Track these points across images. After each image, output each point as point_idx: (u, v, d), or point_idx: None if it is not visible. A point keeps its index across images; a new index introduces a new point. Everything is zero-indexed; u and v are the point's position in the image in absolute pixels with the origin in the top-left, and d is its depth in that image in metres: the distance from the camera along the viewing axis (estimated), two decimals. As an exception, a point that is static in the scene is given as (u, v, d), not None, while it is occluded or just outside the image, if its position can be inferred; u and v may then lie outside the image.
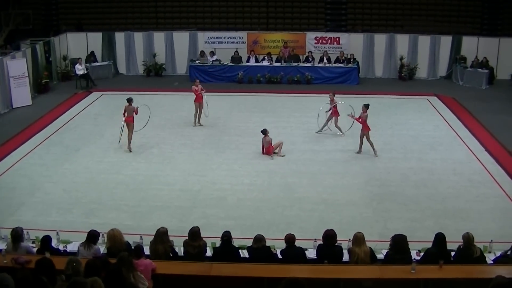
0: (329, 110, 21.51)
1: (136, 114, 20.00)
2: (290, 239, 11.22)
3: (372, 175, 17.97)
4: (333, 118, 21.56)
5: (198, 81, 23.70)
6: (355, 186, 17.20)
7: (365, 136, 19.63)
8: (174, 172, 18.17)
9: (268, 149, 19.59)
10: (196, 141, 21.06)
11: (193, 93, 22.69)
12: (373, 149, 19.59)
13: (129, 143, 19.96)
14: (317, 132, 21.71)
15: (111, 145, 20.56)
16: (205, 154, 19.71)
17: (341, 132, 21.65)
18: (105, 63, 31.90)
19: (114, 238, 10.94)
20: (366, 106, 19.84)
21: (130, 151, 19.84)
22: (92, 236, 11.16)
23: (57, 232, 12.62)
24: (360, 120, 19.66)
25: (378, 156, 19.35)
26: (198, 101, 22.63)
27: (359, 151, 19.76)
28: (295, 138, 21.28)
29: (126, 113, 19.97)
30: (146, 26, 34.03)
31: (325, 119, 21.75)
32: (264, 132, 19.68)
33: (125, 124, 19.99)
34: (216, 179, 17.66)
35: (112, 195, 16.47)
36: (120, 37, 32.40)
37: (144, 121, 21.26)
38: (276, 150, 19.60)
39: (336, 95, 21.75)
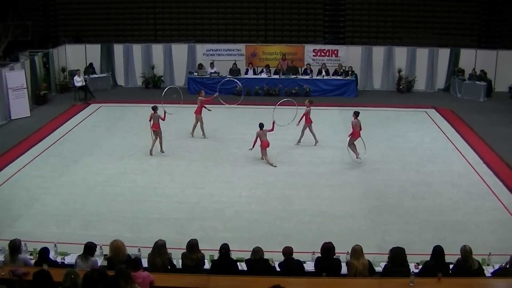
0: (301, 119, 21.72)
1: (163, 120, 20.84)
2: (288, 251, 11.22)
3: (370, 187, 17.97)
4: (307, 125, 21.81)
5: (202, 92, 23.64)
6: (353, 198, 17.19)
7: (349, 140, 20.00)
8: (172, 184, 18.16)
9: (264, 144, 19.88)
10: (194, 153, 21.06)
11: (197, 104, 22.70)
12: (355, 153, 20.08)
13: (161, 146, 21.05)
14: (296, 144, 22.01)
15: (109, 156, 20.58)
16: (203, 167, 19.71)
17: (315, 140, 21.96)
18: (104, 75, 31.93)
19: (118, 249, 10.93)
20: (356, 114, 20.23)
21: (162, 152, 21.03)
22: (89, 248, 11.14)
23: (55, 244, 12.61)
24: (352, 130, 20.03)
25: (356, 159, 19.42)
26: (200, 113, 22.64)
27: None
28: (293, 151, 21.31)
29: (152, 120, 20.75)
30: (145, 38, 34.12)
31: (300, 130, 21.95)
32: (261, 126, 19.96)
33: (152, 131, 20.80)
34: (214, 191, 17.64)
35: (110, 207, 16.45)
36: (118, 49, 32.44)
37: (169, 128, 21.85)
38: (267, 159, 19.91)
39: (312, 105, 21.94)
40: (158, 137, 20.84)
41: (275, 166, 19.67)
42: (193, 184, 18.12)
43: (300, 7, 34.45)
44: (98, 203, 16.73)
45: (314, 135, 21.92)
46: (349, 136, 20.07)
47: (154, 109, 20.82)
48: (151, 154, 20.69)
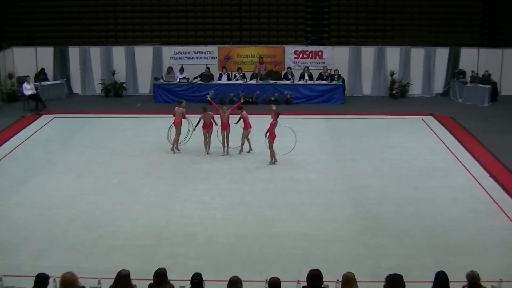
0: (237, 122, 22.24)
1: (185, 118, 22.52)
2: (274, 283, 10.98)
3: (361, 206, 17.92)
4: (245, 131, 22.21)
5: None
6: (342, 219, 17.12)
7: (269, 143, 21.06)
8: (136, 205, 18.00)
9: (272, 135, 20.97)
10: (161, 170, 20.94)
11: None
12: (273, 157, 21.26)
13: (175, 144, 22.58)
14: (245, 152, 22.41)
15: (64, 175, 20.38)
16: (171, 185, 19.59)
17: (250, 147, 22.47)
18: (57, 82, 31.77)
19: (70, 283, 10.70)
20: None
21: (174, 152, 22.52)
22: (41, 281, 10.89)
23: (1, 278, 12.36)
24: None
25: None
26: (207, 128, 22.54)
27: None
28: (273, 165, 21.25)
29: (176, 114, 22.49)
30: (104, 39, 33.96)
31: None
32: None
33: (173, 126, 22.49)
34: (184, 213, 17.51)
35: (65, 233, 16.23)
36: (74, 52, 32.33)
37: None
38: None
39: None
40: (176, 133, 22.55)
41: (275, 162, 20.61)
42: (160, 205, 17.97)
43: (279, 3, 34.50)
44: (51, 228, 16.48)
45: (249, 142, 22.48)
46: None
47: (180, 103, 23.10)
48: (174, 152, 22.57)
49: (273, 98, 29.91)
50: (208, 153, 22.44)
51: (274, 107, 21.86)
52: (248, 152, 22.42)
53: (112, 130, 25.57)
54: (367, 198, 18.51)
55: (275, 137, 21.19)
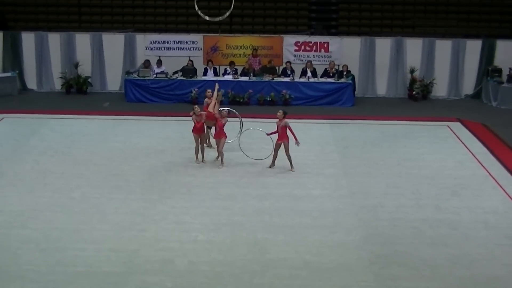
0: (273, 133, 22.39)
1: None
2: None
3: (372, 229, 17.98)
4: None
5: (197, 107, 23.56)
6: (349, 244, 17.18)
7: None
8: (102, 225, 18.01)
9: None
10: (133, 183, 20.98)
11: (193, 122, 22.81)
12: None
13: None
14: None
15: (15, 188, 20.38)
16: (145, 201, 19.61)
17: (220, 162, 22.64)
18: (7, 74, 31.82)
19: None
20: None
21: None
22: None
23: None
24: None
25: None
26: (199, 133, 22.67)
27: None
28: (268, 180, 21.32)
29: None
30: (65, 24, 34.00)
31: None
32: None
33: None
34: (160, 234, 17.53)
35: (16, 258, 16.23)
36: (28, 39, 32.36)
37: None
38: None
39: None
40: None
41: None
42: (131, 225, 18.00)
43: (278, -16, 34.68)
44: (-1, 252, 16.55)
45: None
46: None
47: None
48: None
49: (268, 98, 30.01)
50: (203, 162, 22.69)
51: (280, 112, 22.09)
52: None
53: (74, 134, 25.59)
54: (379, 219, 18.58)
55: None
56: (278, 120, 21.74)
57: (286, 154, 21.66)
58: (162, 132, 23.98)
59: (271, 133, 21.90)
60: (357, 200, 19.80)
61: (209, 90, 23.95)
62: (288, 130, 21.44)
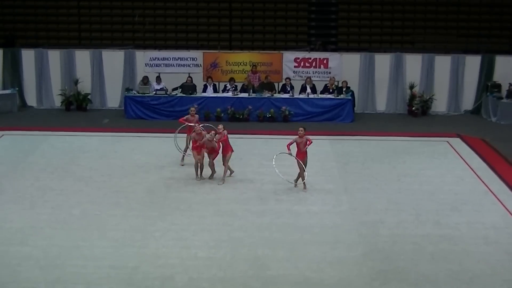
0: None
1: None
2: None
3: (373, 245, 17.96)
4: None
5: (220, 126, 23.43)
6: (350, 260, 17.15)
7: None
8: (102, 242, 17.99)
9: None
10: (133, 199, 20.96)
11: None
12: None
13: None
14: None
15: (14, 204, 20.35)
16: (145, 217, 19.59)
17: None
18: (7, 91, 31.81)
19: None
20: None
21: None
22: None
23: None
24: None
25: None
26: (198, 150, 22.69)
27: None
28: (268, 195, 21.30)
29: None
30: (66, 41, 34.05)
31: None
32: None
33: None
34: (160, 251, 17.51)
35: (15, 275, 16.17)
36: (28, 56, 32.37)
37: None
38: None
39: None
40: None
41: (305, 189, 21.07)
42: (131, 242, 17.98)
43: (277, 1, 34.68)
44: (-2, 269, 16.53)
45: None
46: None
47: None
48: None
49: (268, 115, 30.04)
50: (202, 178, 22.73)
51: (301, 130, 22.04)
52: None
53: (74, 150, 25.60)
54: (380, 235, 18.55)
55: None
56: (298, 137, 21.62)
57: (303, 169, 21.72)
58: (161, 149, 23.98)
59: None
60: (358, 216, 19.79)
61: (193, 109, 23.98)
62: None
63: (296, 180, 21.90)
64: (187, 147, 23.65)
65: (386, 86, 32.26)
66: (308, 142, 21.33)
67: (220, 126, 22.59)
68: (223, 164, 22.21)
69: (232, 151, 22.28)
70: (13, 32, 34.20)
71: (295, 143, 21.52)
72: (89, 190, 21.62)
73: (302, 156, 21.43)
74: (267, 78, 31.69)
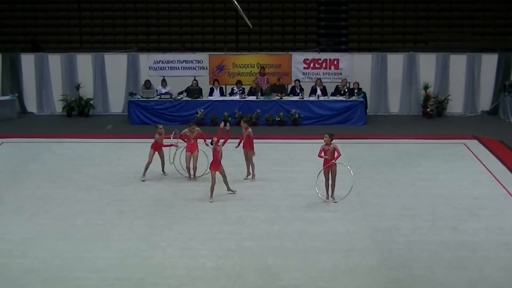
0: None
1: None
2: None
3: (388, 253, 17.92)
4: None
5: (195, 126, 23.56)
6: (364, 269, 17.11)
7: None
8: (106, 253, 17.97)
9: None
10: (138, 208, 20.95)
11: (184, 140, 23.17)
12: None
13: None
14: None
15: (15, 215, 20.37)
16: (150, 226, 19.57)
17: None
18: (7, 97, 31.86)
19: None
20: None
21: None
22: None
23: None
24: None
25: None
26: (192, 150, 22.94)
27: None
28: (278, 202, 21.26)
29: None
30: (66, 45, 34.11)
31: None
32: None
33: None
34: (166, 261, 17.49)
35: (17, 288, 16.26)
36: (28, 61, 32.42)
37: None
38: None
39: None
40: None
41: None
42: (136, 252, 17.96)
43: (285, 0, 34.65)
44: (-1, 282, 16.52)
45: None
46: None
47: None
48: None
49: (277, 118, 29.98)
50: (194, 178, 23.04)
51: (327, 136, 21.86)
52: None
53: (76, 158, 25.63)
54: (394, 242, 18.50)
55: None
56: (325, 144, 21.11)
57: (334, 178, 21.44)
58: (166, 155, 23.92)
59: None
60: (371, 222, 19.74)
61: (161, 127, 23.87)
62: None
63: (332, 195, 21.70)
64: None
65: (399, 87, 32.21)
66: (336, 153, 20.94)
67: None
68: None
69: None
70: (13, 35, 34.31)
71: (322, 151, 21.24)
72: (92, 199, 21.63)
73: (331, 165, 21.18)
74: (280, 80, 31.67)
